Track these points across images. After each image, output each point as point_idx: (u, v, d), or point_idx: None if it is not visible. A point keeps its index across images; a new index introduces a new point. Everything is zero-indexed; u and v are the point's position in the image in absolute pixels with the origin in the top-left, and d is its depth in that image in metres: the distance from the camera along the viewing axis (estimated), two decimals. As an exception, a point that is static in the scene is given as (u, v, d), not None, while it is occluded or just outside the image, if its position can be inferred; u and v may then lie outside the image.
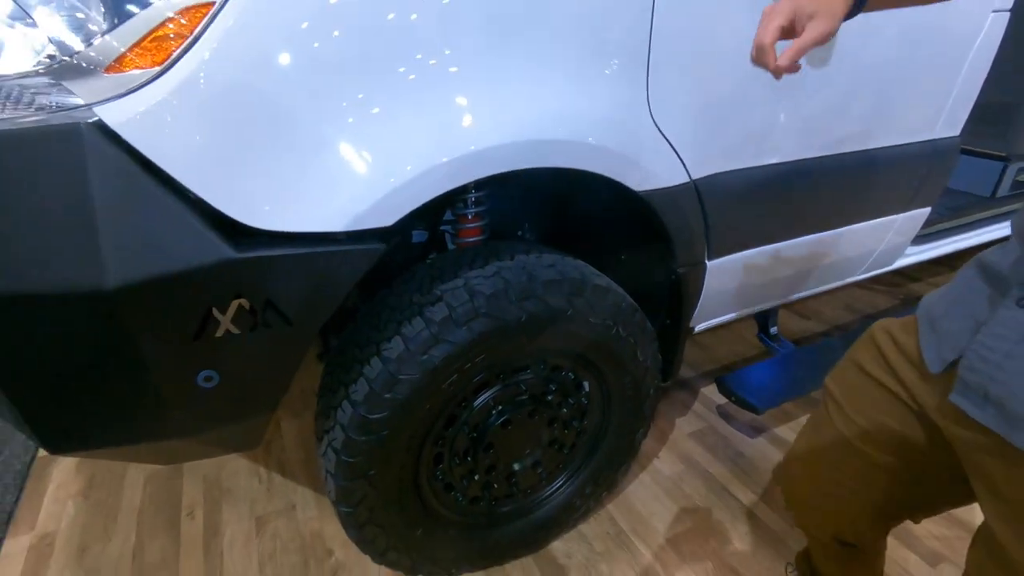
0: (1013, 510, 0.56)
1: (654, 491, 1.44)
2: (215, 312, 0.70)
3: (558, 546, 1.29)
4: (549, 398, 1.09)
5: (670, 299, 1.20)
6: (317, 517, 1.36)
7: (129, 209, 0.64)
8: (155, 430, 0.77)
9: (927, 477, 0.71)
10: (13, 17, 0.63)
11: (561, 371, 1.10)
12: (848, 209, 1.36)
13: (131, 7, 0.63)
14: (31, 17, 0.63)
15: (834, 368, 0.80)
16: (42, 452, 1.56)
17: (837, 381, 0.77)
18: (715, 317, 1.35)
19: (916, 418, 0.68)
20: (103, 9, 0.62)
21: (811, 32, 0.62)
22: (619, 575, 1.22)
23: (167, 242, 0.65)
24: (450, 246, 1.27)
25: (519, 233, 1.38)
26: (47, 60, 0.63)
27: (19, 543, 1.29)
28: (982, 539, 0.64)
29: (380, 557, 1.07)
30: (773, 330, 1.78)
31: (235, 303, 0.70)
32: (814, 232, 1.33)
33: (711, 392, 1.81)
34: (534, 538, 1.25)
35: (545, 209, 1.36)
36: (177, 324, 0.69)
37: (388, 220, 0.76)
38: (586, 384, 1.14)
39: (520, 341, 0.95)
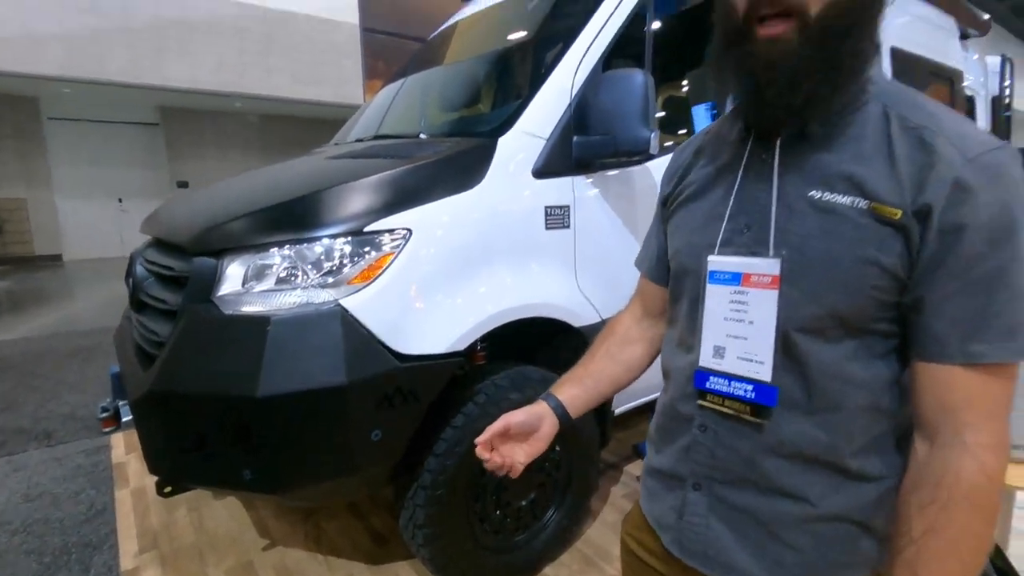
0: None
1: (605, 532, 2.08)
2: (387, 394, 1.38)
3: (548, 570, 1.87)
4: (538, 454, 1.78)
5: (599, 391, 1.98)
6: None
7: (356, 345, 1.35)
8: (346, 468, 1.38)
9: None
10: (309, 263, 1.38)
11: (543, 437, 1.81)
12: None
13: (362, 256, 1.40)
14: (332, 258, 1.38)
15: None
16: (123, 567, 1.91)
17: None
18: (627, 403, 2.14)
19: None
20: (350, 265, 1.39)
21: (518, 458, 0.85)
22: (592, 581, 1.82)
23: (370, 359, 1.36)
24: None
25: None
26: (323, 278, 1.37)
27: (139, 627, 1.65)
28: None
29: (442, 571, 1.62)
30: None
31: (396, 390, 1.39)
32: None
33: (632, 467, 2.53)
34: (534, 562, 1.83)
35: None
36: (370, 401, 1.36)
37: (462, 347, 1.51)
38: (556, 446, 1.85)
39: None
